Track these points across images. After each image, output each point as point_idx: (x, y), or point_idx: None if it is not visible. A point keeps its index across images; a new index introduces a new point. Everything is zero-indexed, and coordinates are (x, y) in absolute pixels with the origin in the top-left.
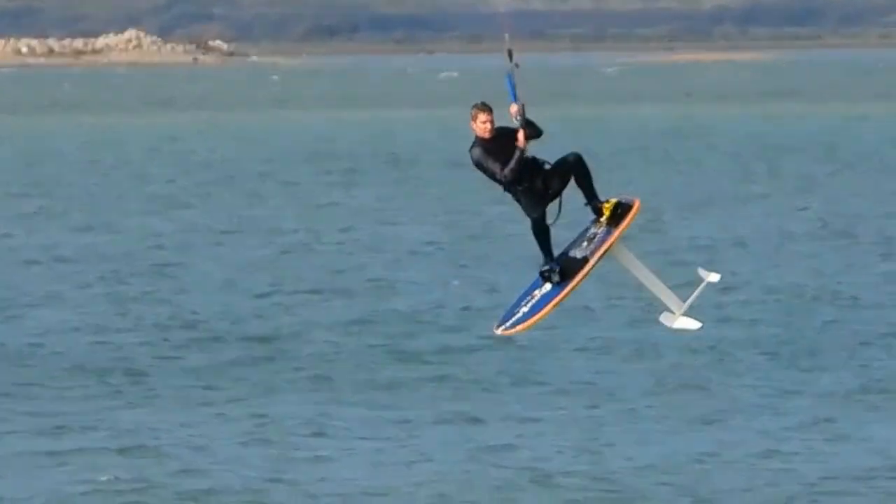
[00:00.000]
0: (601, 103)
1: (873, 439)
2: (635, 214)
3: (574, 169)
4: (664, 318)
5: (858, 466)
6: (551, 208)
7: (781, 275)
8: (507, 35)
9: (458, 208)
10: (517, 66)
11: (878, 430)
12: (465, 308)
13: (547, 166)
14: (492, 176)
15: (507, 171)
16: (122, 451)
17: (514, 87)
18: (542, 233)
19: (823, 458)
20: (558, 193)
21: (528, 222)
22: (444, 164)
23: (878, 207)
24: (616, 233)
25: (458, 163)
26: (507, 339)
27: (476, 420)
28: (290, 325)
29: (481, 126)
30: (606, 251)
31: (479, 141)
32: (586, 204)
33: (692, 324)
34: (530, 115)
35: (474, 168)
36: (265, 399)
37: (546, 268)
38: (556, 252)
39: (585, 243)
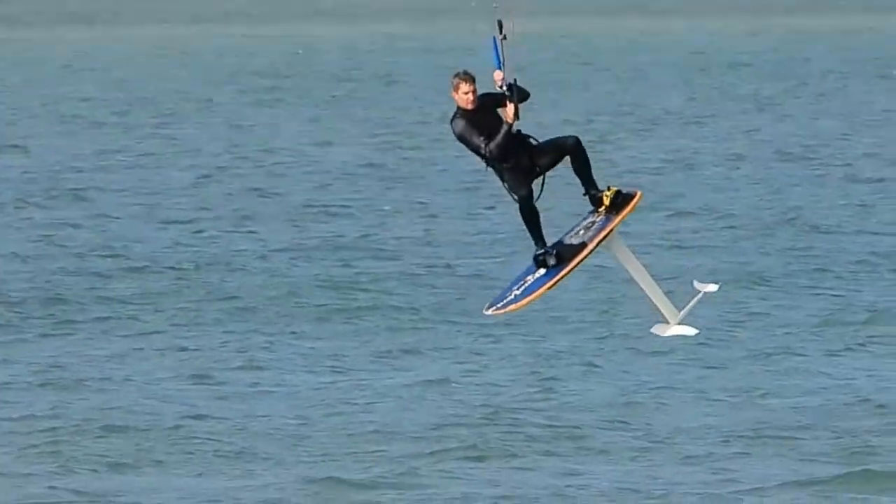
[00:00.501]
0: (539, 16)
1: (834, 374)
2: (636, 204)
3: (571, 154)
4: (657, 329)
5: (820, 400)
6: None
7: (734, 200)
8: (495, 5)
9: (390, 128)
10: (505, 38)
11: (840, 362)
12: (400, 235)
13: (533, 141)
14: (475, 150)
15: (492, 145)
16: (40, 385)
17: (499, 53)
18: (530, 214)
19: (783, 392)
20: (545, 171)
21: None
22: (373, 82)
23: (834, 129)
24: (616, 220)
25: (389, 80)
26: (449, 269)
27: (415, 352)
28: (216, 254)
29: (463, 97)
30: (605, 237)
31: (462, 112)
32: (584, 194)
33: (687, 330)
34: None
35: (456, 141)
36: (191, 331)
37: (540, 252)
38: (552, 241)
39: (583, 231)
